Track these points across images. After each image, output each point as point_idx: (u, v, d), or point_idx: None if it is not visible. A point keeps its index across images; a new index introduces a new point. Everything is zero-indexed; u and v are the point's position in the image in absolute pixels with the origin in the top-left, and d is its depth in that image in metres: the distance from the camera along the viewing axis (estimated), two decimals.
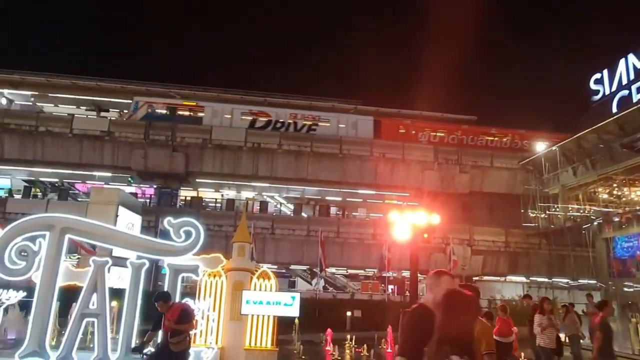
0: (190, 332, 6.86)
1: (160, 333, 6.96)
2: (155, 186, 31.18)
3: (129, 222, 20.01)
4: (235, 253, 10.63)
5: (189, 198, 32.89)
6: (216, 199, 33.90)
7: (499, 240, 30.16)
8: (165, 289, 10.13)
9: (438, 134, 33.68)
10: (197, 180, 31.67)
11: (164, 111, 32.28)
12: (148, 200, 31.17)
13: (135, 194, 30.10)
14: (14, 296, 10.36)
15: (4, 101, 32.28)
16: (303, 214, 33.13)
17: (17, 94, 32.44)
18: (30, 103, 32.84)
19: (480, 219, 30.23)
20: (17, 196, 29.79)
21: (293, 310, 9.76)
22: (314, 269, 29.16)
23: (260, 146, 30.74)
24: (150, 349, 7.30)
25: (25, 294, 10.51)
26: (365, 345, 13.26)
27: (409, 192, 31.52)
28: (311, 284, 30.73)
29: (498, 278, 31.14)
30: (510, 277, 30.87)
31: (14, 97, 32.67)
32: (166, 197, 30.25)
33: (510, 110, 76.57)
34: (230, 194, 34.28)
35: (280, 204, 35.35)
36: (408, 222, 16.08)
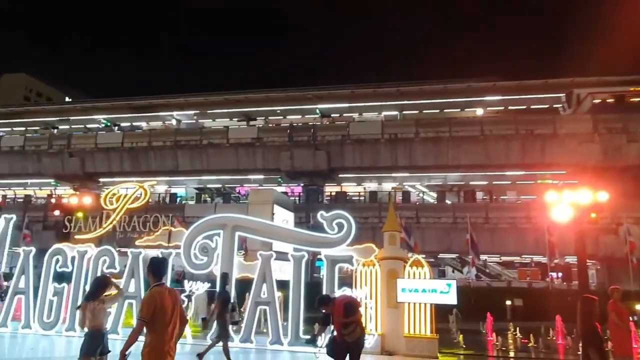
0: (361, 321, 7.06)
1: (331, 327, 7.28)
2: (302, 184, 33.29)
3: (284, 218, 21.85)
4: (387, 242, 10.91)
5: (333, 193, 34.38)
6: (359, 192, 34.81)
7: None
8: (324, 280, 10.90)
9: None
10: (339, 175, 32.94)
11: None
12: (297, 198, 33.42)
13: (285, 193, 32.57)
14: (201, 287, 12.07)
15: (174, 122, 37.71)
16: (447, 201, 32.22)
17: (183, 114, 37.59)
18: (194, 121, 37.76)
19: None
20: (191, 202, 34.56)
21: (450, 298, 9.68)
22: (464, 257, 28.16)
23: (397, 136, 30.67)
24: (322, 341, 7.76)
25: (209, 284, 12.18)
26: (531, 336, 12.46)
27: (566, 170, 28.46)
28: (462, 273, 29.75)
29: None
30: None
31: (181, 117, 37.93)
32: (313, 194, 32.07)
33: None
34: (371, 186, 34.91)
35: (423, 192, 34.86)
36: (568, 203, 14.60)
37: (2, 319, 11.59)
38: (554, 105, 33.18)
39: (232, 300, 9.36)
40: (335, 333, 6.90)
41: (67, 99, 64.60)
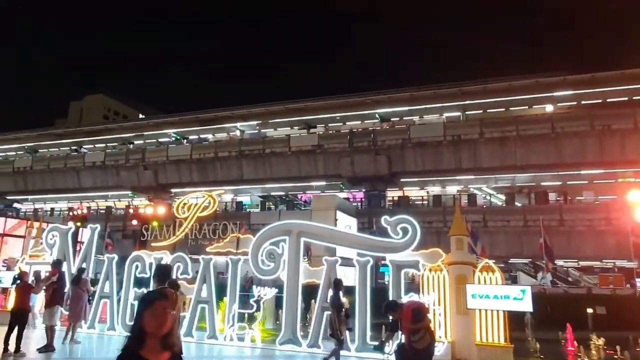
0: (430, 327, 6.87)
1: (399, 333, 7.17)
2: (364, 190, 33.20)
3: (347, 224, 21.89)
4: (454, 246, 10.60)
5: (395, 198, 33.97)
6: (422, 197, 34.17)
7: None
8: (390, 285, 10.78)
9: None
10: (401, 180, 32.52)
11: None
12: (359, 204, 33.36)
13: (347, 199, 32.64)
14: (269, 292, 12.34)
15: (238, 133, 39.12)
16: (517, 204, 30.78)
17: (246, 125, 38.88)
18: (256, 131, 38.93)
19: None
20: (256, 210, 35.59)
21: (524, 305, 9.23)
22: (537, 262, 26.70)
23: (461, 138, 29.80)
24: (390, 347, 7.67)
25: (277, 290, 12.44)
26: (617, 346, 11.53)
27: None
28: (536, 278, 28.20)
29: None
30: None
31: (244, 128, 39.26)
32: (375, 199, 31.88)
33: None
34: (435, 190, 34.14)
35: (490, 195, 33.54)
36: None
37: (90, 321, 12.53)
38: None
39: (345, 307, 9.34)
40: (403, 340, 6.79)
41: (140, 116, 68.98)
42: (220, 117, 38.41)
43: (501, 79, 31.75)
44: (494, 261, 11.46)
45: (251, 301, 11.97)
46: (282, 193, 37.31)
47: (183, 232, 13.57)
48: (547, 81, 30.45)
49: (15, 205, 46.28)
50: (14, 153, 47.65)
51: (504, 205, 31.78)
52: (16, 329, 9.06)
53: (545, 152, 27.92)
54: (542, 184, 31.71)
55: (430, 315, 9.57)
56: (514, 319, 10.79)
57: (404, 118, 35.18)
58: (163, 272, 5.50)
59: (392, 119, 35.70)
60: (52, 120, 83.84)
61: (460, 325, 10.01)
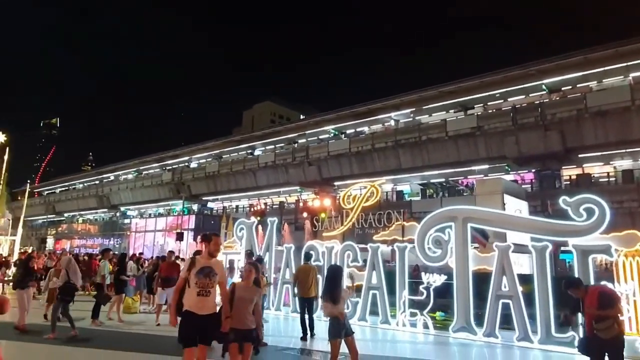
0: (620, 317, 6.05)
1: (581, 318, 6.49)
2: (533, 170, 30.34)
3: (517, 208, 20.22)
4: None
5: (574, 177, 30.28)
6: (608, 173, 29.75)
7: None
8: (575, 273, 9.76)
9: None
10: (579, 155, 28.83)
11: None
12: (529, 186, 30.62)
13: (515, 181, 30.20)
14: (438, 279, 12.24)
15: (392, 122, 39.28)
16: None
17: (400, 114, 38.79)
18: (411, 119, 38.55)
19: None
20: (417, 198, 35.36)
21: None
22: None
23: None
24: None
25: (445, 277, 12.27)
26: None
27: None
28: None
29: None
30: None
31: (398, 117, 39.24)
32: (547, 179, 28.89)
33: None
34: (624, 164, 29.40)
35: None
36: None
37: (276, 304, 14.11)
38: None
39: None
40: (587, 327, 6.09)
41: (301, 117, 74.28)
42: (374, 109, 39.07)
43: None
44: None
45: (421, 288, 12.05)
46: (442, 179, 36.28)
47: (350, 222, 14.32)
48: None
49: (209, 205, 54.34)
50: (204, 160, 55.93)
51: None
52: None
53: None
54: None
55: (631, 307, 8.43)
56: None
57: (578, 86, 30.98)
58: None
59: (562, 89, 31.77)
60: (230, 129, 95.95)
61: None
